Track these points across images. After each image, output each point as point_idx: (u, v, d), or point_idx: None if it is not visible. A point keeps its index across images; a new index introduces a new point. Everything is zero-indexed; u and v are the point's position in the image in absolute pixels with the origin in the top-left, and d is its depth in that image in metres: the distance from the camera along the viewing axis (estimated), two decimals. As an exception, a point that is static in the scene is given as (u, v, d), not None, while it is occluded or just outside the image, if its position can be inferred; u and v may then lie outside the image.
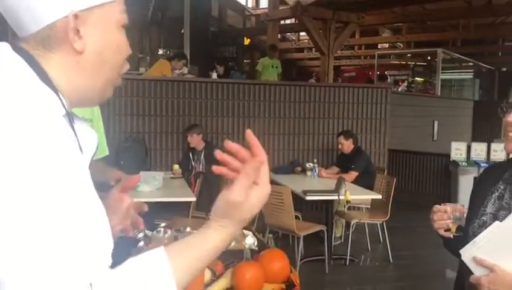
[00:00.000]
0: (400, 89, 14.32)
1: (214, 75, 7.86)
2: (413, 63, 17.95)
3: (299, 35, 16.77)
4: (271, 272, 2.00)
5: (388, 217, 5.16)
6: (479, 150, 7.91)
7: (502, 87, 16.39)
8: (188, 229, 2.46)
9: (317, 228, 4.85)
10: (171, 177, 5.49)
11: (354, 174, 5.69)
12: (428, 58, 16.18)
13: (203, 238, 0.85)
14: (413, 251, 5.72)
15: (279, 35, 12.00)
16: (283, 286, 1.98)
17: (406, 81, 16.36)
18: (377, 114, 7.46)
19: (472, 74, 18.10)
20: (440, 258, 5.47)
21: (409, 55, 18.22)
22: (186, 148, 6.22)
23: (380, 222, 5.40)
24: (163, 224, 2.46)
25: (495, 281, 1.29)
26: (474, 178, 7.95)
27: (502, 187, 1.45)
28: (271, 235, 2.43)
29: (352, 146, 5.99)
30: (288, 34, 16.92)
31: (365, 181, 5.55)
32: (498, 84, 17.30)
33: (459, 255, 1.41)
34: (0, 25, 0.94)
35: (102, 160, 2.38)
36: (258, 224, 5.30)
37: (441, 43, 14.79)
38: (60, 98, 0.80)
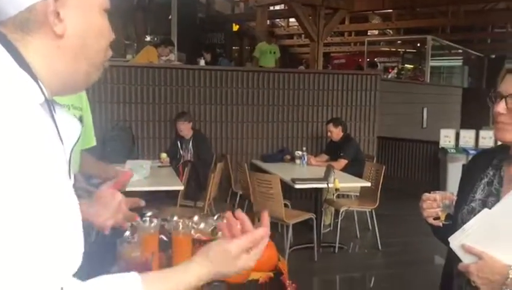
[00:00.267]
0: (389, 76, 14.34)
1: (202, 62, 7.77)
2: (403, 50, 17.95)
3: (288, 22, 16.65)
4: (259, 261, 1.95)
5: (377, 204, 5.16)
6: (467, 137, 7.95)
7: (490, 74, 16.46)
8: (175, 218, 2.42)
9: (306, 216, 4.84)
10: (159, 166, 5.43)
11: (343, 162, 5.68)
12: (418, 45, 16.18)
13: (184, 270, 0.89)
14: (401, 238, 5.74)
15: (268, 21, 11.88)
16: (271, 274, 1.96)
17: (396, 68, 16.38)
18: (366, 101, 7.44)
19: (461, 61, 18.16)
20: (429, 245, 5.50)
21: (398, 42, 18.21)
22: (174, 136, 6.16)
23: (369, 210, 5.40)
24: (149, 213, 2.41)
25: (483, 268, 1.28)
26: (463, 165, 8.01)
27: (491, 173, 1.44)
28: (259, 223, 2.39)
29: (341, 134, 5.96)
30: (278, 20, 16.79)
31: (354, 169, 5.54)
32: (487, 71, 17.36)
33: (447, 243, 1.39)
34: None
35: (89, 150, 2.32)
36: (247, 213, 5.28)
37: (431, 30, 14.77)
38: (38, 85, 0.77)
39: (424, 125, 11.13)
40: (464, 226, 1.34)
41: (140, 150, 6.41)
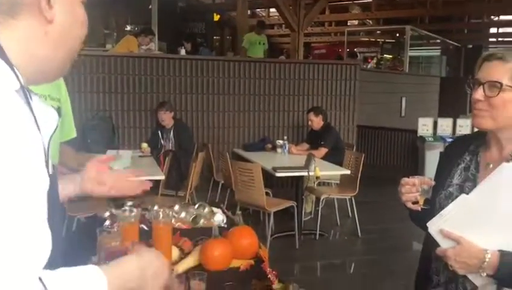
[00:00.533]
0: (369, 66, 14.43)
1: (182, 52, 7.72)
2: (382, 40, 18.08)
3: (269, 12, 16.62)
4: (239, 249, 2.00)
5: (357, 192, 5.24)
6: (445, 125, 8.09)
7: (468, 64, 16.69)
8: (156, 207, 2.43)
9: (288, 204, 4.88)
10: (140, 156, 5.40)
11: (323, 150, 5.73)
12: (397, 35, 16.31)
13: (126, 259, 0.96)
14: (381, 225, 5.84)
15: (248, 11, 11.83)
16: (251, 262, 1.98)
17: (375, 58, 16.50)
18: (346, 91, 7.50)
19: (439, 51, 18.36)
20: (407, 231, 5.61)
21: (378, 32, 18.31)
22: (154, 126, 6.13)
23: (349, 197, 5.47)
24: (130, 203, 2.42)
25: (461, 253, 1.31)
26: (441, 153, 8.12)
27: (467, 159, 1.47)
28: (240, 213, 2.41)
29: (321, 122, 6.01)
30: (258, 10, 16.73)
31: (334, 157, 5.60)
32: (464, 61, 17.60)
33: (425, 228, 1.42)
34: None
35: (69, 141, 2.29)
36: (229, 201, 5.32)
37: (410, 20, 14.89)
38: (14, 71, 0.76)
39: (403, 114, 11.27)
40: (442, 211, 1.36)
41: (120, 140, 6.36)
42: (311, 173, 4.76)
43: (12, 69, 0.76)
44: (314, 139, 6.03)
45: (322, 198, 5.30)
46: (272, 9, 14.94)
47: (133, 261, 0.96)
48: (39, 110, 0.82)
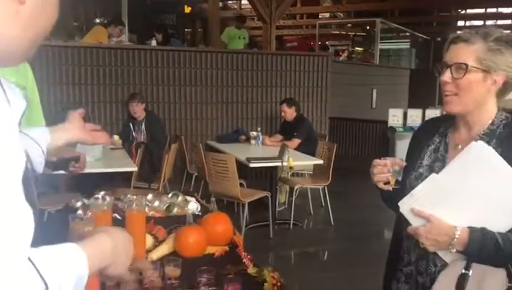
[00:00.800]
0: (340, 59, 14.55)
1: (153, 43, 7.62)
2: (353, 33, 18.26)
3: (240, 4, 16.56)
4: (214, 235, 2.00)
5: (329, 181, 5.30)
6: (414, 116, 8.26)
7: (436, 57, 17.02)
8: (129, 195, 2.41)
9: (262, 194, 4.91)
10: (111, 148, 5.31)
11: (296, 141, 5.77)
12: (368, 28, 16.50)
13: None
14: (353, 213, 5.93)
15: (220, 3, 11.76)
16: (226, 248, 1.99)
17: (347, 51, 16.66)
18: (318, 82, 7.56)
19: (409, 43, 18.66)
20: (378, 220, 5.73)
21: (349, 25, 18.48)
22: (126, 118, 6.05)
23: (322, 187, 5.53)
24: (102, 192, 2.39)
25: (431, 230, 1.34)
26: (407, 150, 8.29)
27: (437, 140, 1.50)
28: (214, 199, 2.42)
29: (295, 114, 6.05)
30: (230, 2, 16.65)
31: (307, 148, 5.65)
32: (433, 54, 17.94)
33: (396, 208, 1.45)
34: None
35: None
36: (203, 193, 5.30)
37: (380, 13, 15.07)
38: None
39: (374, 106, 11.43)
40: (413, 191, 1.40)
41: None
42: (284, 164, 4.79)
43: None
44: (287, 130, 6.06)
45: (295, 188, 5.35)
46: (244, 1, 14.89)
47: (107, 238, 0.97)
48: (8, 91, 0.81)
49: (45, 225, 2.21)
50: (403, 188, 1.46)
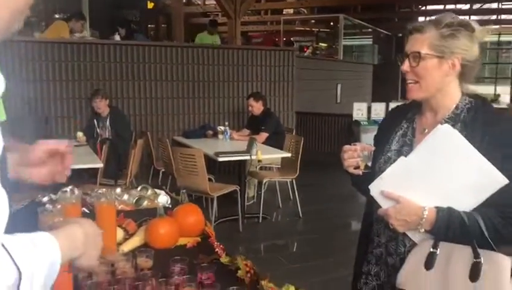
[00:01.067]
0: (305, 55, 14.68)
1: (117, 38, 7.48)
2: (317, 29, 18.45)
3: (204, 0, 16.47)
4: (186, 226, 1.99)
5: (297, 174, 5.34)
6: (378, 109, 8.45)
7: (398, 52, 17.31)
8: (96, 190, 2.37)
9: (231, 188, 4.90)
10: (75, 145, 5.20)
11: (264, 135, 5.79)
12: (331, 24, 16.70)
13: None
14: (320, 205, 6.00)
15: (184, -2, 11.68)
16: (198, 239, 1.98)
17: (311, 47, 16.82)
18: (284, 77, 7.60)
19: (371, 39, 19.01)
20: (345, 211, 5.84)
21: (312, 21, 18.66)
22: (90, 114, 5.93)
23: (290, 180, 5.58)
24: (70, 186, 2.34)
25: (401, 211, 1.38)
26: (375, 136, 8.52)
27: (405, 126, 1.55)
28: (184, 191, 2.41)
29: (262, 108, 6.06)
30: (194, -3, 16.55)
31: (275, 142, 5.68)
32: (395, 49, 18.33)
33: (366, 193, 1.48)
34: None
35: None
36: (171, 188, 5.25)
37: (343, 9, 15.29)
38: None
39: (339, 100, 11.60)
40: (382, 174, 1.44)
41: (54, 129, 6.09)
42: (253, 157, 4.81)
43: None
44: (254, 124, 6.07)
45: (264, 181, 5.37)
46: (208, -3, 14.82)
47: (79, 228, 0.96)
48: None
49: (13, 217, 2.15)
50: (373, 172, 1.50)
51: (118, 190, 2.45)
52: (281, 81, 7.58)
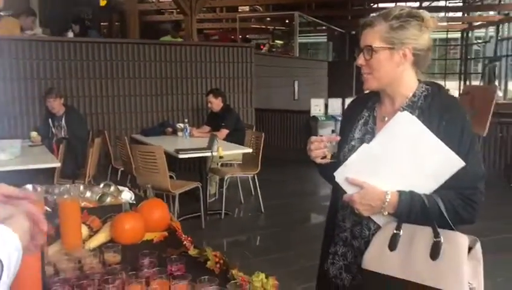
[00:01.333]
0: (262, 52, 14.76)
1: (70, 35, 7.26)
2: (273, 26, 18.59)
3: (159, -4, 16.26)
4: (152, 221, 1.98)
5: (259, 169, 5.38)
6: (335, 105, 8.64)
7: (352, 49, 17.78)
8: (57, 190, 2.31)
9: (192, 185, 4.88)
10: (30, 145, 5.05)
11: (224, 131, 5.79)
12: (286, 21, 16.86)
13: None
14: (282, 200, 6.07)
15: (138, -5, 11.48)
16: (165, 233, 1.97)
17: (267, 45, 16.94)
18: (243, 73, 7.62)
19: (326, 37, 19.34)
20: (305, 206, 5.94)
21: (268, 19, 18.77)
22: (44, 114, 5.75)
23: (252, 176, 5.61)
24: (31, 185, 2.28)
25: (365, 196, 1.43)
26: (332, 131, 8.73)
27: (366, 114, 1.60)
28: (149, 186, 2.38)
29: (221, 104, 6.06)
30: (148, -6, 16.29)
31: (236, 138, 5.69)
32: (349, 46, 18.71)
33: (333, 181, 1.53)
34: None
35: None
36: (130, 185, 5.17)
37: (297, 7, 15.45)
38: None
39: (296, 97, 11.75)
40: (346, 161, 1.48)
41: (7, 129, 5.86)
42: (214, 153, 4.80)
43: None
44: (214, 121, 6.06)
45: (225, 178, 5.37)
46: (163, -6, 14.62)
47: (24, 219, 0.94)
48: None
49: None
50: (338, 161, 1.54)
51: (81, 187, 2.41)
52: (240, 77, 7.59)
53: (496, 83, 15.11)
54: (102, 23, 14.42)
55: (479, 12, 18.33)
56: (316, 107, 8.67)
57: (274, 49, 16.50)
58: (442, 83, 20.52)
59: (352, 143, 1.57)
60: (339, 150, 1.57)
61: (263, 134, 5.50)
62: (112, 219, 1.95)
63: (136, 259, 1.56)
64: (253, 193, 5.88)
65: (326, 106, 8.75)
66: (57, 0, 11.10)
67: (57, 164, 4.25)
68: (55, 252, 1.65)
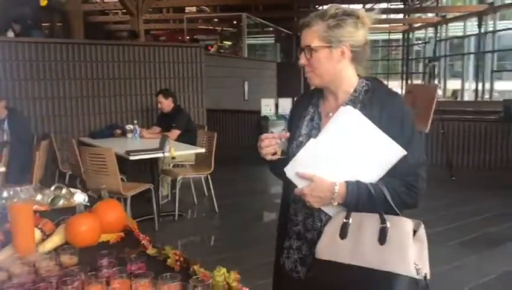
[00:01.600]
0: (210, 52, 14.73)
1: (11, 34, 6.95)
2: (221, 27, 18.59)
3: (104, -3, 15.88)
4: (108, 223, 1.95)
5: (212, 169, 5.37)
6: (284, 105, 8.77)
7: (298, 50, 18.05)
8: (5, 193, 2.24)
9: (144, 187, 4.81)
10: (-30, 150, 4.80)
11: (176, 132, 5.74)
12: (234, 22, 16.91)
13: None
14: (235, 199, 6.09)
15: (81, -5, 11.17)
16: (122, 234, 1.95)
17: (216, 45, 16.91)
18: (193, 73, 7.58)
19: (274, 38, 19.56)
20: (258, 204, 6.00)
21: (216, 20, 18.75)
22: (-15, 117, 5.48)
23: (205, 176, 5.59)
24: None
25: (315, 188, 1.48)
26: (283, 129, 8.83)
27: (312, 111, 1.66)
28: (105, 186, 2.34)
29: (172, 105, 6.00)
30: (92, -6, 15.88)
31: (187, 139, 5.66)
32: (296, 47, 19.00)
33: (284, 176, 1.57)
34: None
35: None
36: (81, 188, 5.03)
37: (245, 8, 15.54)
38: None
39: (246, 98, 11.82)
40: (295, 156, 1.52)
41: None
42: (166, 154, 4.74)
43: None
44: (165, 122, 5.99)
45: (178, 179, 5.32)
46: (107, -6, 14.29)
47: None
48: None
49: None
50: (288, 156, 1.58)
51: (32, 190, 2.33)
52: (190, 78, 7.55)
53: (436, 81, 15.82)
54: (43, 24, 13.92)
55: (418, 14, 19.12)
56: (267, 107, 8.77)
57: (222, 50, 16.50)
58: (385, 82, 21.40)
59: (300, 139, 1.61)
60: (288, 146, 1.61)
61: (215, 134, 5.50)
62: (66, 221, 1.90)
63: (94, 260, 1.53)
64: (206, 193, 5.86)
65: (276, 105, 8.87)
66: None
67: (2, 169, 4.08)
68: (7, 257, 1.59)
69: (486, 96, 15.96)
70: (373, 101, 1.52)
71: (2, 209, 1.98)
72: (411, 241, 1.38)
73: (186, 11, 18.05)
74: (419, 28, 20.83)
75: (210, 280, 1.40)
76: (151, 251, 1.76)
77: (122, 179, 4.84)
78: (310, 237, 1.58)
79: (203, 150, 5.29)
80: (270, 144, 1.55)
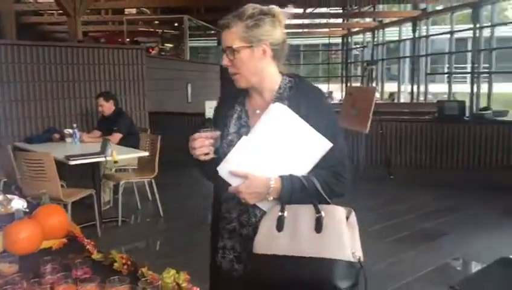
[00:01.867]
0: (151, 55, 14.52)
1: None
2: (162, 30, 18.35)
3: (38, -4, 15.26)
4: (49, 228, 1.88)
5: (156, 173, 5.29)
6: (228, 107, 8.77)
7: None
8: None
9: (86, 192, 4.66)
10: None
11: (117, 136, 5.60)
12: (176, 25, 16.74)
13: None
14: (180, 203, 6.03)
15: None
16: (64, 240, 1.89)
17: (157, 48, 16.68)
18: (134, 76, 7.44)
19: (216, 41, 19.52)
20: (203, 207, 5.92)
21: (156, 22, 18.49)
22: None
23: (149, 180, 5.49)
24: None
25: (251, 185, 1.50)
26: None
27: (238, 109, 1.67)
28: (45, 190, 2.25)
29: (113, 108, 5.86)
30: (26, -6, 15.22)
31: (130, 142, 5.54)
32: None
33: (215, 178, 1.57)
34: None
35: None
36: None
37: (186, 10, 15.43)
38: None
39: (190, 100, 11.73)
40: (228, 155, 1.54)
41: None
42: (108, 158, 4.62)
43: None
44: (106, 125, 5.83)
45: (121, 183, 5.19)
46: (42, -6, 13.74)
47: None
48: None
49: None
50: (219, 156, 1.58)
51: (-38, 198, 2.20)
52: (131, 80, 7.40)
53: (374, 84, 16.40)
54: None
55: (356, 19, 19.74)
56: (210, 109, 8.73)
57: (164, 53, 16.30)
58: (326, 86, 21.84)
59: (230, 138, 1.62)
60: (218, 146, 1.61)
61: (159, 136, 5.42)
62: (3, 228, 1.81)
63: (36, 268, 1.47)
64: (150, 197, 5.77)
65: (220, 108, 8.85)
66: None
67: None
68: None
69: (421, 98, 16.71)
70: (298, 97, 1.57)
71: None
72: (346, 227, 1.44)
73: (126, 12, 17.68)
74: (357, 33, 21.52)
75: (159, 281, 1.39)
76: (96, 255, 1.72)
77: (61, 186, 4.67)
78: (246, 233, 1.60)
79: (146, 154, 5.20)
80: (203, 144, 1.54)
